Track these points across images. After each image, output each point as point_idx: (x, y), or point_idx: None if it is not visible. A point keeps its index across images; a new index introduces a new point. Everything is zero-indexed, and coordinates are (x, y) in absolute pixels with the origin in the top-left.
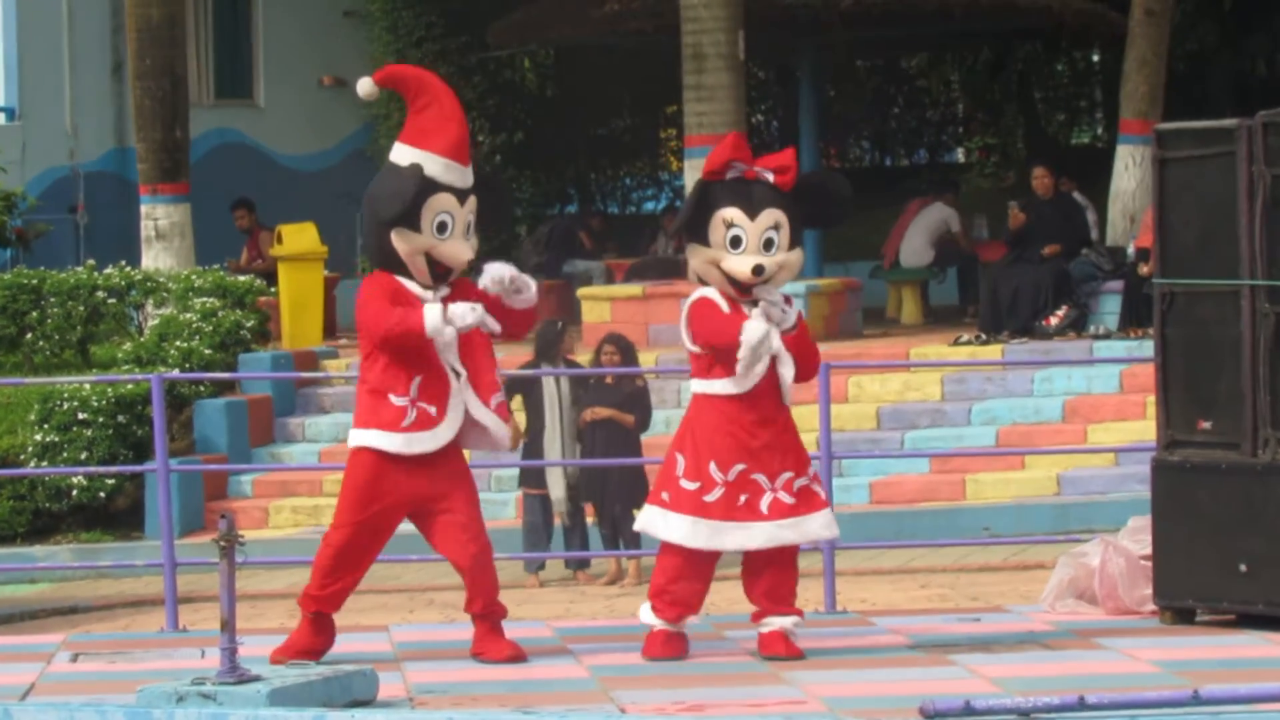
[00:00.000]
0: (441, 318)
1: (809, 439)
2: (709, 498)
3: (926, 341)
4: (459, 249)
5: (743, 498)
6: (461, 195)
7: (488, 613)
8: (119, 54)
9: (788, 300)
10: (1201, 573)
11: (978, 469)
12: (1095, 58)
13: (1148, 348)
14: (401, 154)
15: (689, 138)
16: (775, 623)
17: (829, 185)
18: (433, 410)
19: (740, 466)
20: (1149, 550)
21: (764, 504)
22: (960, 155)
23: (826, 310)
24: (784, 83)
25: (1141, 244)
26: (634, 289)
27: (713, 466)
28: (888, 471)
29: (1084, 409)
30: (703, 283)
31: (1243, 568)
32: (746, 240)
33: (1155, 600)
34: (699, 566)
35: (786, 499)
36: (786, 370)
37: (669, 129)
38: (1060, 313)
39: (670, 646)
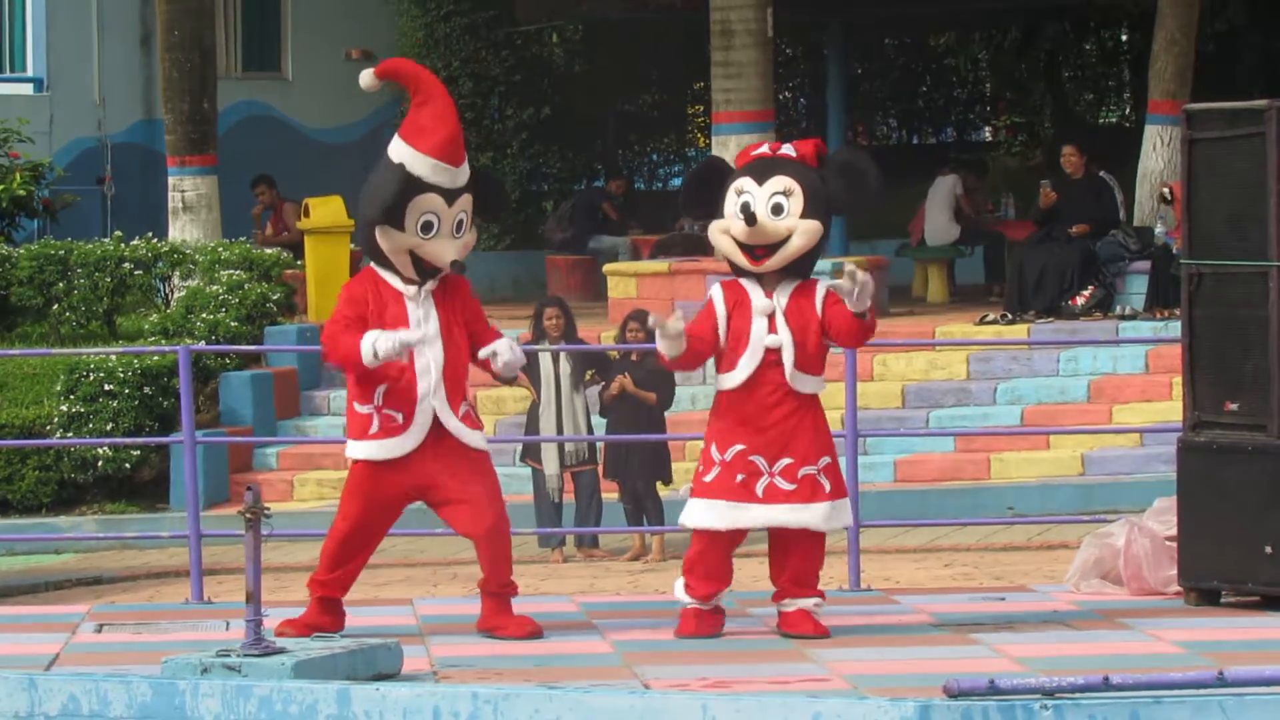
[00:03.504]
0: (372, 350)
1: (834, 416)
2: (708, 477)
3: (952, 320)
4: (443, 249)
5: (739, 477)
6: (450, 195)
7: (501, 590)
8: (148, 25)
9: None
10: (1227, 554)
11: (1003, 448)
12: (1124, 37)
13: (1174, 328)
14: (395, 149)
15: (716, 114)
16: (798, 603)
17: (856, 161)
18: (398, 417)
19: (739, 447)
20: (1174, 531)
21: (759, 487)
22: (988, 134)
23: None
24: (812, 60)
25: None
26: (660, 265)
27: (713, 448)
28: (912, 450)
29: (1109, 389)
30: (734, 269)
31: (1268, 549)
32: (754, 203)
33: (1180, 581)
34: (718, 545)
35: (784, 485)
36: (787, 355)
37: (696, 105)
38: (1086, 293)
39: (703, 624)
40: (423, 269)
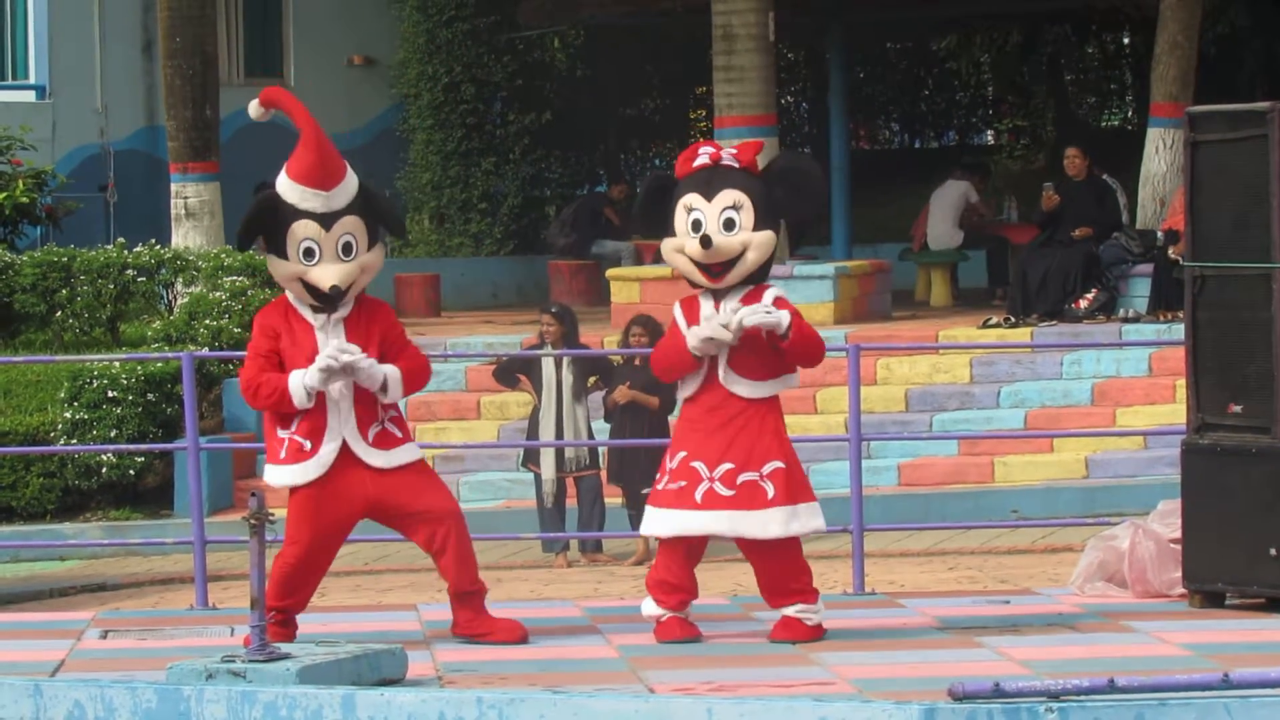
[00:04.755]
0: (304, 390)
1: (837, 420)
2: (659, 485)
3: (955, 324)
4: (324, 274)
5: (681, 484)
6: (326, 219)
7: (473, 589)
8: (149, 32)
9: (778, 302)
10: (1231, 556)
11: (1006, 451)
12: (1126, 40)
13: (1177, 331)
14: (278, 178)
15: (719, 119)
16: (781, 611)
17: (797, 166)
18: (307, 445)
19: (682, 454)
20: (1178, 533)
21: (698, 493)
22: (990, 137)
23: (855, 292)
24: (813, 64)
25: (1170, 226)
26: (663, 270)
27: (668, 456)
28: (916, 454)
29: (1113, 392)
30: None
31: (1272, 551)
32: (705, 222)
33: (1185, 583)
34: (678, 554)
35: (722, 491)
36: (721, 356)
37: (699, 110)
38: (1089, 295)
39: (685, 629)
40: (319, 295)
